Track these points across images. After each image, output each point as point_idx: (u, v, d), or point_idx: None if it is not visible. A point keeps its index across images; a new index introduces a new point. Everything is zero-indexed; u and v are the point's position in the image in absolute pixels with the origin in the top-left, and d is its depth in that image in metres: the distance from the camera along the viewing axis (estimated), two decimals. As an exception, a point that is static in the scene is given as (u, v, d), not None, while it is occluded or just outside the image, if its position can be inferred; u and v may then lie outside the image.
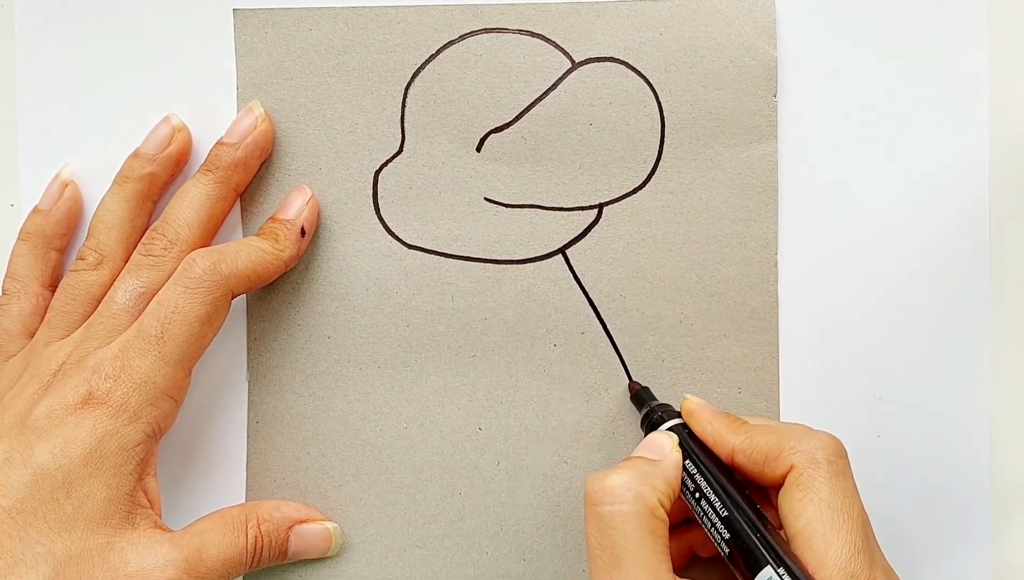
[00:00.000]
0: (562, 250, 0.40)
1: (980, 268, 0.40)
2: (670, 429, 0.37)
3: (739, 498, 0.34)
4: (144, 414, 0.35)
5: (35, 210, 0.41)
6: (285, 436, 0.41)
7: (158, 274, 0.38)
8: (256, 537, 0.37)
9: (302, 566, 0.40)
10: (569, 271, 0.40)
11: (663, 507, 0.33)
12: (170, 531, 0.36)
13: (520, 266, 0.40)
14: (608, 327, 0.40)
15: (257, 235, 0.39)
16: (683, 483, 0.35)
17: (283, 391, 0.41)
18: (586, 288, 0.40)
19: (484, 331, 0.40)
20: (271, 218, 0.40)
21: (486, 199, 0.40)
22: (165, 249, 0.38)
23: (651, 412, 0.38)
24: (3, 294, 0.40)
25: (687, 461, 0.35)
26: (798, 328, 0.40)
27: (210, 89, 0.41)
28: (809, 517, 0.32)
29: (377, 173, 0.40)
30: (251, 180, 0.40)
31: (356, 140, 0.40)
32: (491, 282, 0.40)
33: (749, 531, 0.33)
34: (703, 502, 0.35)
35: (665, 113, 0.40)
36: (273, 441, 0.41)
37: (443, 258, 0.40)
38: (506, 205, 0.40)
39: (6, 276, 0.40)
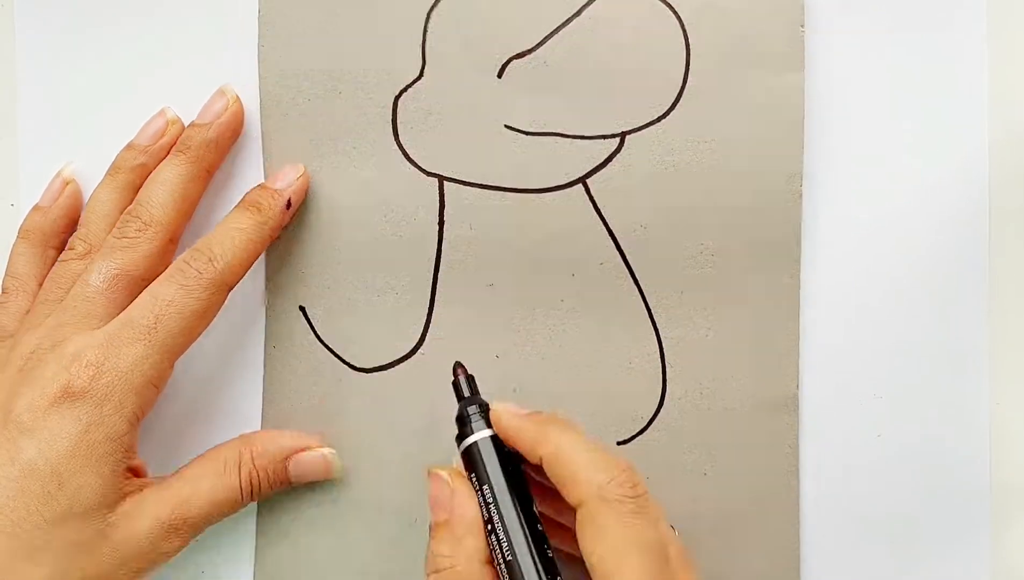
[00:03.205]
0: (583, 179, 0.40)
1: (979, 268, 0.40)
2: (471, 446, 0.34)
3: (528, 540, 0.33)
4: (128, 403, 0.35)
5: (35, 208, 0.41)
6: (301, 360, 0.41)
7: (132, 255, 0.37)
8: (251, 473, 0.38)
9: (313, 509, 0.40)
10: (589, 201, 0.40)
11: (481, 564, 0.33)
12: (158, 483, 0.37)
13: (540, 195, 0.40)
14: (627, 258, 0.40)
15: (238, 207, 0.39)
16: (480, 507, 0.34)
17: (301, 317, 0.41)
18: (606, 218, 0.40)
19: (502, 260, 0.40)
20: (259, 185, 0.40)
21: (506, 126, 0.40)
22: (139, 230, 0.38)
23: (464, 418, 0.35)
24: (3, 292, 0.40)
25: (484, 487, 0.34)
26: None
27: (211, 89, 0.40)
28: (600, 554, 0.32)
29: (397, 98, 0.40)
30: (222, 161, 0.40)
31: (376, 65, 0.40)
32: (510, 211, 0.40)
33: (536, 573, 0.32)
34: (492, 536, 0.33)
35: (690, 40, 0.39)
36: (289, 365, 0.41)
37: (462, 186, 0.40)
38: (526, 133, 0.40)
39: (6, 274, 0.40)
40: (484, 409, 0.35)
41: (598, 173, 0.40)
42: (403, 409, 0.40)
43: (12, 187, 0.42)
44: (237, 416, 0.41)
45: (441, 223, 0.40)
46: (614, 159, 0.40)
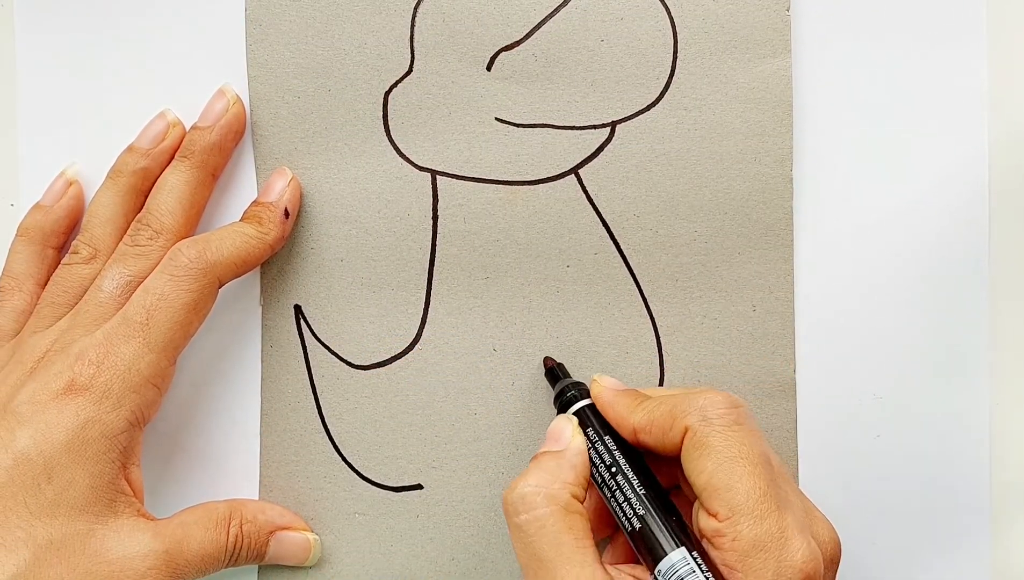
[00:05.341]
0: (575, 170, 0.40)
1: (979, 268, 0.39)
2: (577, 411, 0.37)
3: (652, 476, 0.35)
4: (127, 401, 0.35)
5: (36, 206, 0.40)
6: (298, 359, 0.41)
7: (145, 263, 0.37)
8: (237, 536, 0.38)
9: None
10: (582, 191, 0.40)
11: (577, 499, 0.34)
12: (153, 519, 0.36)
13: (532, 187, 0.40)
14: (621, 246, 0.40)
15: (241, 220, 0.39)
16: (594, 464, 0.35)
17: (297, 316, 0.41)
18: (599, 208, 0.40)
19: (497, 253, 0.40)
20: (254, 202, 0.40)
21: (497, 119, 0.40)
22: (151, 239, 0.38)
23: (563, 391, 0.38)
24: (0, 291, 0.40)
25: (599, 441, 0.35)
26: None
27: (212, 89, 0.40)
28: (710, 471, 0.32)
29: (387, 94, 0.40)
30: (226, 164, 0.40)
31: (365, 61, 0.40)
32: (503, 203, 0.40)
33: (662, 511, 0.33)
34: (618, 476, 0.34)
35: (677, 28, 0.39)
36: (287, 365, 0.41)
37: (454, 180, 0.40)
38: (517, 125, 0.40)
39: (3, 273, 0.40)
40: (582, 387, 0.38)
41: (590, 163, 0.40)
42: (402, 406, 0.40)
43: (12, 187, 0.42)
44: (235, 416, 0.41)
45: (435, 218, 0.40)
46: (605, 149, 0.40)
